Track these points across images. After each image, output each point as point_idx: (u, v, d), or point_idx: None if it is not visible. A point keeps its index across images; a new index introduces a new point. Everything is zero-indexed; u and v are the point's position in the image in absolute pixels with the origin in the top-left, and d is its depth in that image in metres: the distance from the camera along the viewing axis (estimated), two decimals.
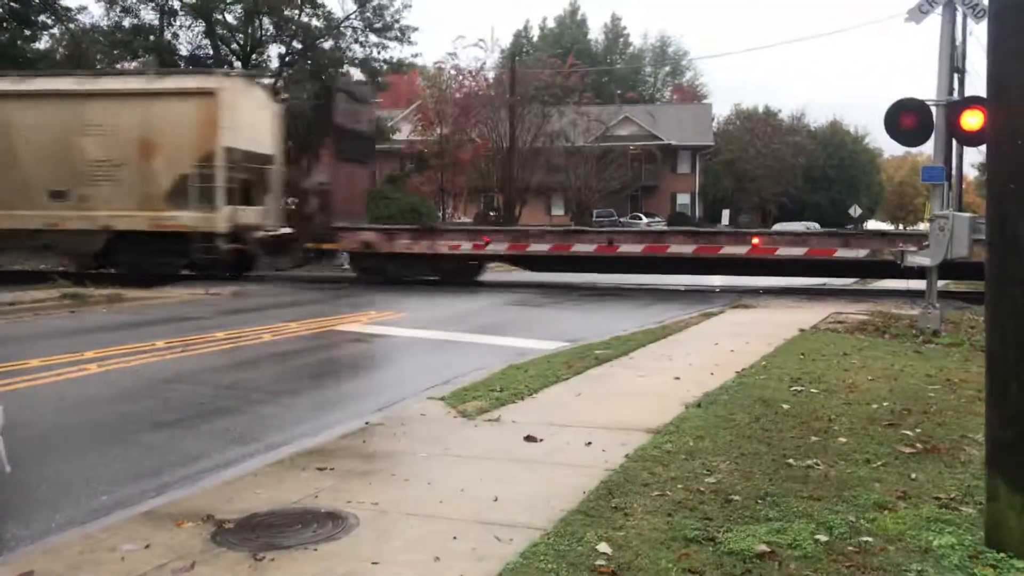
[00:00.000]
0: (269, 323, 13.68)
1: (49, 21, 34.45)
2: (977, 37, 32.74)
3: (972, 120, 12.06)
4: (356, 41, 38.14)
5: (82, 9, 35.35)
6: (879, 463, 5.83)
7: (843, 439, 6.44)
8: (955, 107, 12.41)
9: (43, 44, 35.08)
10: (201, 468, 6.21)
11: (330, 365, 10.43)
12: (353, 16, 37.88)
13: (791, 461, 5.85)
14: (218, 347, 11.45)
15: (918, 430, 6.72)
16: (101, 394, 8.71)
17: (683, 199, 68.56)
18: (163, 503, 5.29)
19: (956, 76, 27.36)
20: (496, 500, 5.11)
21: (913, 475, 5.57)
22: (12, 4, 32.11)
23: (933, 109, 12.56)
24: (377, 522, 4.77)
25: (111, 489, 5.75)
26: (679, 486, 5.30)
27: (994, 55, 4.05)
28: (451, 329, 13.46)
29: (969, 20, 24.13)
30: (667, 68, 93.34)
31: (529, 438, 6.54)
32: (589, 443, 6.39)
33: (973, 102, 12.03)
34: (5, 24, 32.32)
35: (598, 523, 4.68)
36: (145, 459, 6.50)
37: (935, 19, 12.74)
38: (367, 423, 7.13)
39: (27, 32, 32.99)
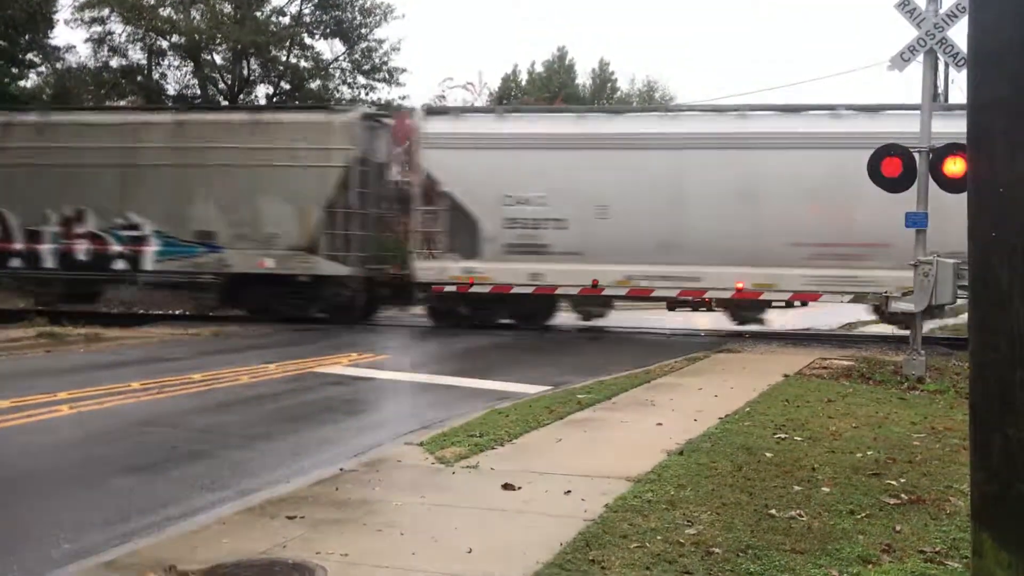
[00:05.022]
0: (248, 364, 13.49)
1: (37, 60, 34.50)
2: (959, 85, 33.13)
3: (954, 167, 12.13)
4: (344, 83, 38.35)
5: (70, 48, 35.39)
6: (863, 514, 5.71)
7: (827, 489, 6.32)
8: (938, 154, 12.47)
9: (30, 83, 35.09)
10: (169, 515, 6.03)
11: (307, 408, 10.25)
12: (342, 58, 38.13)
13: (774, 512, 5.72)
14: (194, 389, 11.26)
15: (903, 480, 6.61)
16: (71, 437, 8.51)
17: None
18: (126, 552, 5.11)
19: None
20: (470, 552, 4.96)
21: (898, 527, 5.46)
22: (0, 42, 32.15)
23: (916, 155, 12.62)
24: (346, 574, 4.61)
25: (74, 536, 5.57)
26: (659, 538, 5.16)
27: (973, 102, 4.01)
28: (432, 371, 13.31)
29: (951, 68, 24.51)
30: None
31: (507, 486, 6.39)
32: (568, 491, 6.25)
33: (955, 149, 12.09)
34: None
35: None
36: (112, 505, 6.32)
37: (918, 66, 12.88)
38: (342, 469, 6.97)
39: (14, 70, 33.01)
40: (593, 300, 20.23)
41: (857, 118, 18.67)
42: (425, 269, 20.14)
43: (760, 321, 20.93)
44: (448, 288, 19.98)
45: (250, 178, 20.49)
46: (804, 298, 19.64)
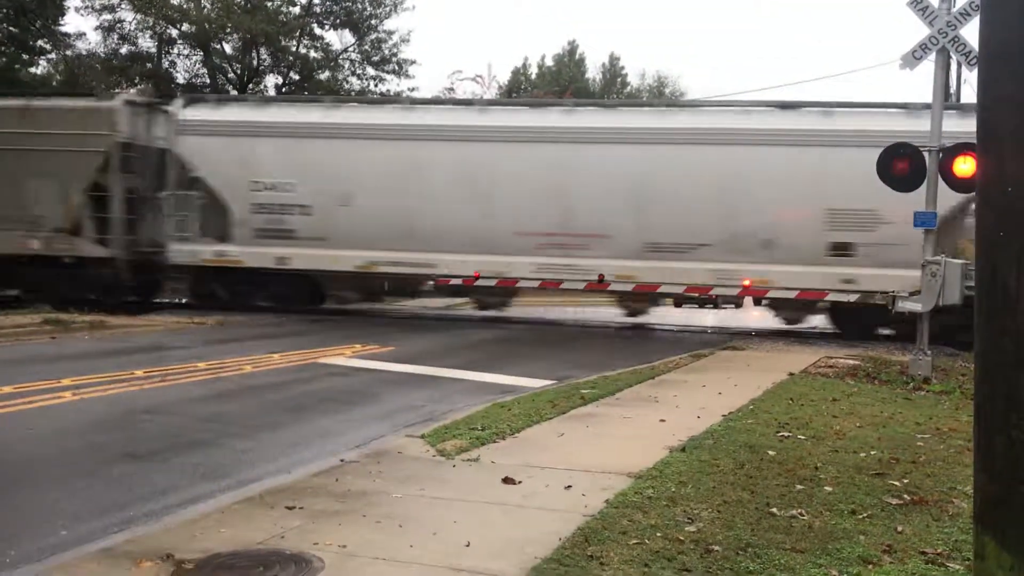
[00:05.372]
0: (251, 354, 13.50)
1: (47, 46, 34.54)
2: (971, 84, 32.96)
3: (964, 166, 12.06)
4: (354, 74, 38.32)
5: (80, 35, 35.42)
6: (865, 514, 5.67)
7: (829, 488, 6.28)
8: (947, 153, 12.39)
9: (40, 69, 35.12)
10: (169, 503, 6.03)
11: (310, 399, 10.24)
12: (351, 49, 38.10)
13: (775, 510, 5.69)
14: (198, 377, 11.27)
15: (906, 480, 6.57)
16: (73, 423, 8.52)
17: None
18: (123, 540, 5.11)
19: None
20: (468, 545, 4.94)
21: (899, 528, 5.42)
22: (11, 28, 32.21)
23: (926, 155, 12.55)
24: (343, 566, 4.60)
25: (72, 524, 5.56)
26: (658, 534, 5.13)
27: (983, 101, 3.97)
28: (436, 364, 13.29)
29: (963, 67, 24.37)
30: None
31: (507, 480, 6.37)
32: (569, 486, 6.22)
33: (965, 148, 12.02)
34: (3, 48, 32.41)
35: (572, 572, 4.51)
36: (112, 492, 6.31)
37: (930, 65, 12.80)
38: (342, 460, 6.96)
39: (25, 57, 33.05)
40: (346, 285, 20.97)
41: (592, 113, 19.67)
42: (179, 252, 20.62)
43: (502, 307, 21.43)
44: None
45: (17, 161, 20.74)
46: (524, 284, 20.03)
